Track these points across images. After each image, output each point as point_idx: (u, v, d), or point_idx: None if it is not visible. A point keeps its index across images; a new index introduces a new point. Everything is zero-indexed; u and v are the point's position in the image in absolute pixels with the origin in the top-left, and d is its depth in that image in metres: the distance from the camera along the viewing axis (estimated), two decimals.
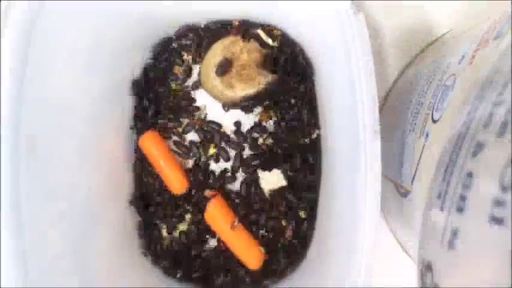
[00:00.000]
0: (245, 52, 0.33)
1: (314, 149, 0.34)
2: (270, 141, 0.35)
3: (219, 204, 0.34)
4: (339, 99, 0.27)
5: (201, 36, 0.35)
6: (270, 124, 0.35)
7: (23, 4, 0.25)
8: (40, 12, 0.25)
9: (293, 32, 0.34)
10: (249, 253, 0.34)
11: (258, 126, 0.35)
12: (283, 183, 0.34)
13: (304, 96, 0.34)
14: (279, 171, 0.34)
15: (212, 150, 0.36)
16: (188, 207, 0.35)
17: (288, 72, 0.34)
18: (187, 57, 0.36)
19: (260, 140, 0.35)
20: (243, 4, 0.33)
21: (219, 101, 0.34)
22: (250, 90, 0.33)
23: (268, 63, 0.34)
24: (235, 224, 0.33)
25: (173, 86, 0.36)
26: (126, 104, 0.35)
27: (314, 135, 0.34)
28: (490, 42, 0.19)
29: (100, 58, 0.31)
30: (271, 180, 0.34)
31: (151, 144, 0.34)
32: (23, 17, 0.25)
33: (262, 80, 0.33)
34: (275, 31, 0.34)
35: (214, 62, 0.33)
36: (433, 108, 0.23)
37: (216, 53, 0.33)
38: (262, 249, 0.34)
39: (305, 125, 0.34)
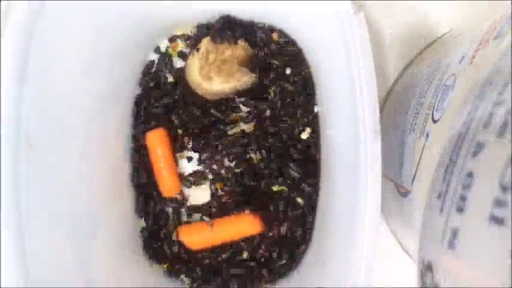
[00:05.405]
0: (230, 48, 0.33)
1: (313, 149, 0.34)
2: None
3: None
4: (339, 99, 0.27)
5: (200, 36, 0.35)
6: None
7: (23, 4, 0.25)
8: (40, 12, 0.25)
9: (293, 32, 0.34)
10: (243, 225, 0.33)
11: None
12: (207, 199, 0.34)
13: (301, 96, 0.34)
14: (207, 185, 0.34)
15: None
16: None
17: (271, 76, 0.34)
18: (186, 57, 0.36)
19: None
20: (243, 4, 0.33)
21: (199, 93, 0.34)
22: (227, 85, 0.33)
23: (252, 64, 0.34)
24: (211, 227, 0.33)
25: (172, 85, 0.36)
26: (127, 104, 0.35)
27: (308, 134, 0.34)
28: (490, 42, 0.19)
29: (100, 58, 0.31)
30: (198, 195, 0.35)
31: (159, 141, 0.34)
32: (23, 17, 0.25)
33: (241, 78, 0.33)
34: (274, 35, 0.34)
35: (199, 53, 0.33)
36: (433, 108, 0.23)
37: (202, 44, 0.33)
38: (250, 213, 0.33)
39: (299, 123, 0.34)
